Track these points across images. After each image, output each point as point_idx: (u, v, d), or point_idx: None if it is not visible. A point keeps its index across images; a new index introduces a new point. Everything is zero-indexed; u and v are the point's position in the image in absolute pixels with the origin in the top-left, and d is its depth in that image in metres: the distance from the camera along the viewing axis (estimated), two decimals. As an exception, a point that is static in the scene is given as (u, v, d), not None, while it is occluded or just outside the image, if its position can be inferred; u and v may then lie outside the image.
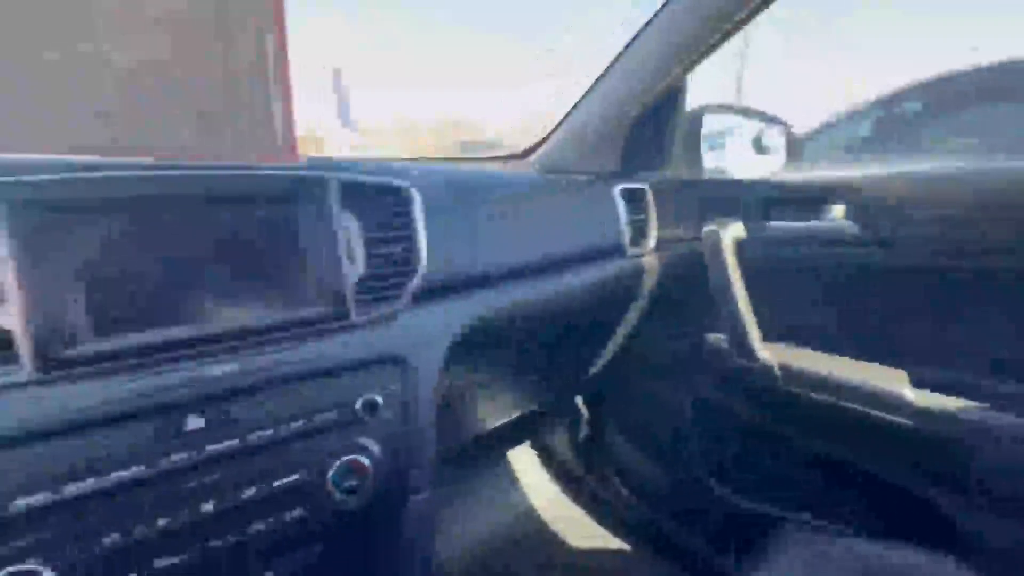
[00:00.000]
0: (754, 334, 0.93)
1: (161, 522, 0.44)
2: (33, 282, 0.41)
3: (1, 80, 0.38)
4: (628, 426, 1.34)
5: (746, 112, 1.17)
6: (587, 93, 1.14)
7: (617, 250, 0.99)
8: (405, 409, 0.60)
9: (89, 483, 0.42)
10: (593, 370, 1.24)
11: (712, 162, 1.17)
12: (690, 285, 1.09)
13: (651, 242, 1.05)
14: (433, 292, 0.67)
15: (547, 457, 1.57)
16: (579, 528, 1.38)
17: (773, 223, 0.94)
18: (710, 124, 1.14)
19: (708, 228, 0.96)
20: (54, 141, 0.39)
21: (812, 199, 0.91)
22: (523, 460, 1.58)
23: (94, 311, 0.44)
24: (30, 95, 0.40)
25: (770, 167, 1.14)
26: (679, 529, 1.22)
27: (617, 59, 1.06)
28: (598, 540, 1.34)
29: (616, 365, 1.25)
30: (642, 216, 1.04)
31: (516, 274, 0.81)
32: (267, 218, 0.52)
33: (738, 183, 1.05)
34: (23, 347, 0.42)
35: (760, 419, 1.02)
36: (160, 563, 0.44)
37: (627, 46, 1.03)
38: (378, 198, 0.62)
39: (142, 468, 0.44)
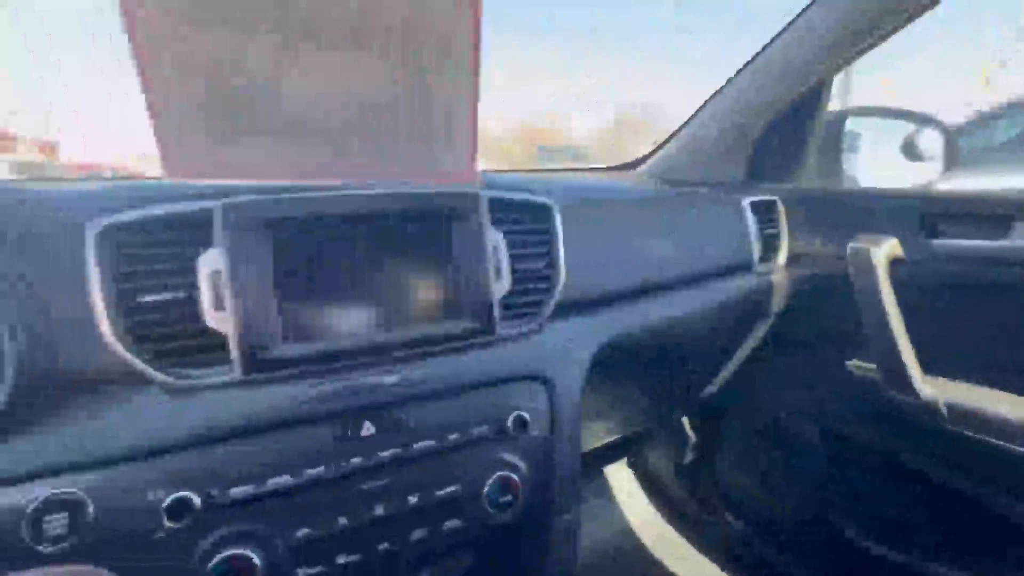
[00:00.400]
0: (913, 365, 0.82)
1: (342, 520, 0.47)
2: (244, 293, 0.46)
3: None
4: (741, 452, 1.25)
5: (896, 113, 1.05)
6: (710, 100, 1.08)
7: (745, 266, 0.93)
8: (551, 427, 0.60)
9: (286, 479, 0.46)
10: (708, 391, 1.17)
11: (852, 171, 1.07)
12: (825, 306, 0.99)
13: (782, 258, 0.98)
14: (568, 309, 0.66)
15: (644, 477, 1.51)
16: (676, 550, 1.32)
17: (938, 241, 0.83)
18: (853, 129, 1.04)
19: (855, 245, 0.87)
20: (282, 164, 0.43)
21: (994, 215, 0.79)
22: (619, 476, 1.53)
23: (286, 320, 0.48)
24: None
25: (926, 176, 1.01)
26: (796, 567, 1.12)
27: (748, 65, 1.00)
28: (696, 565, 1.27)
29: (733, 386, 1.18)
30: (773, 230, 0.97)
31: (644, 291, 0.78)
32: (429, 235, 0.55)
33: (889, 194, 0.94)
34: (234, 350, 0.46)
35: (915, 460, 0.91)
36: (340, 559, 0.47)
37: (761, 51, 0.97)
38: (522, 214, 0.62)
39: (327, 468, 0.48)
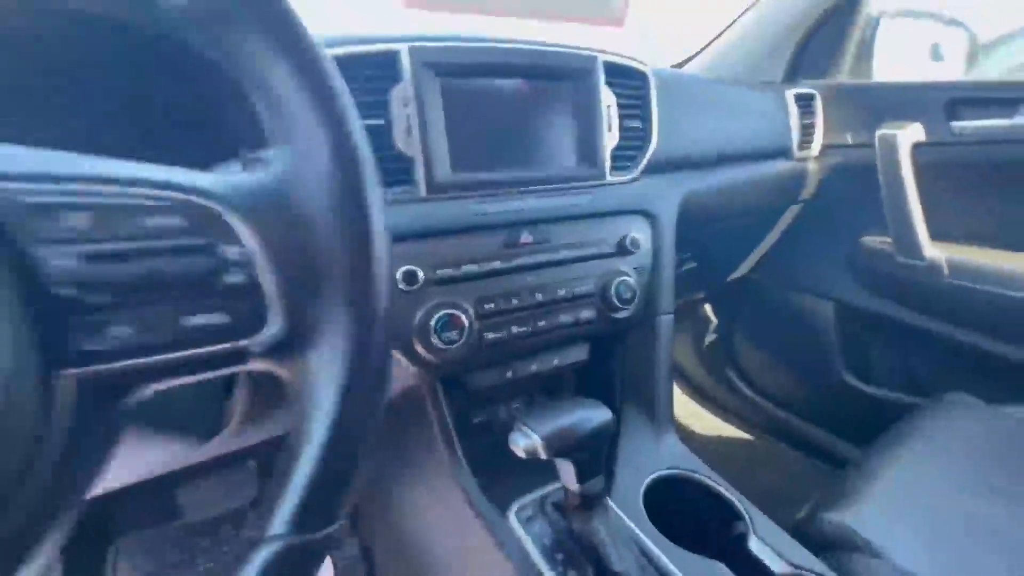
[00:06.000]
0: (922, 233, 0.98)
1: (515, 301, 0.63)
2: (426, 121, 0.58)
3: None
4: (758, 330, 1.44)
5: (927, 16, 1.15)
6: (754, 5, 1.17)
7: (784, 152, 1.05)
8: (656, 248, 0.76)
9: (475, 267, 0.61)
10: (734, 275, 1.34)
11: (883, 71, 1.18)
12: (848, 191, 1.14)
13: (816, 147, 1.10)
14: (655, 168, 0.79)
15: None
16: (698, 418, 1.54)
17: (959, 123, 0.97)
18: (886, 30, 1.14)
19: (883, 131, 1.00)
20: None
21: (1005, 99, 0.92)
22: None
23: (454, 152, 0.61)
24: None
25: (945, 77, 1.13)
26: (809, 423, 1.34)
27: None
28: (715, 425, 1.49)
29: (756, 270, 1.34)
30: (810, 121, 1.09)
31: (703, 162, 0.91)
32: (559, 90, 0.67)
33: (916, 86, 1.06)
34: (419, 173, 0.59)
35: (916, 315, 1.09)
36: (514, 329, 0.63)
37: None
38: (627, 78, 0.74)
39: (502, 262, 0.63)
